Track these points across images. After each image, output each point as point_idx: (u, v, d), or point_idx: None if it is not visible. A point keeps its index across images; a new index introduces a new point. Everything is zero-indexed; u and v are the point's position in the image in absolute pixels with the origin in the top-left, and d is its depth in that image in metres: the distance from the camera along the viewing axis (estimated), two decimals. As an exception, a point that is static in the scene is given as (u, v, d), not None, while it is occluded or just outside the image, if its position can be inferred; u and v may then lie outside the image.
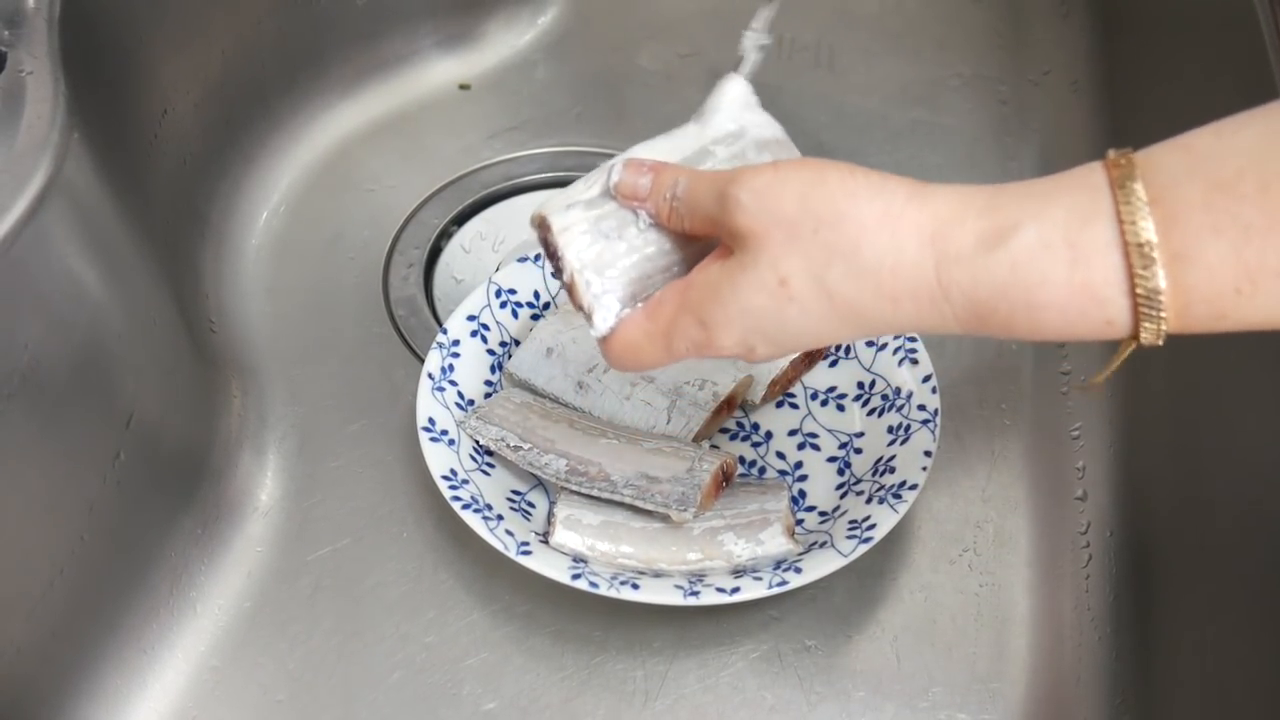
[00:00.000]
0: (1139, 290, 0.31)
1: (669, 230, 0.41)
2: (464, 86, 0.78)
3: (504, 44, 0.80)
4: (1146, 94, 0.69)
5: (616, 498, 0.53)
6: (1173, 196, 0.31)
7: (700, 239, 0.41)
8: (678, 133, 0.43)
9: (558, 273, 0.41)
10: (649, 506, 0.53)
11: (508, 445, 0.54)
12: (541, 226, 0.42)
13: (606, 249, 0.41)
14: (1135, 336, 0.32)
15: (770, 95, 0.76)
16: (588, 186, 0.42)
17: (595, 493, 0.53)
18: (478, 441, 0.55)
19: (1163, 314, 0.32)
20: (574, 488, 0.54)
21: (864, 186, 0.35)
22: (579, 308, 0.41)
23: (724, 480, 0.54)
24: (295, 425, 0.61)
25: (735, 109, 0.43)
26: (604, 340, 0.41)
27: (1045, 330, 0.33)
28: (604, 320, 0.41)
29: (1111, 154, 0.33)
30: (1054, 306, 0.33)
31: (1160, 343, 0.33)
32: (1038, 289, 0.32)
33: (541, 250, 0.43)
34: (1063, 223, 0.32)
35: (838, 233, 0.34)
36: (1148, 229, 0.31)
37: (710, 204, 0.38)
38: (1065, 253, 0.32)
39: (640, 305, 0.41)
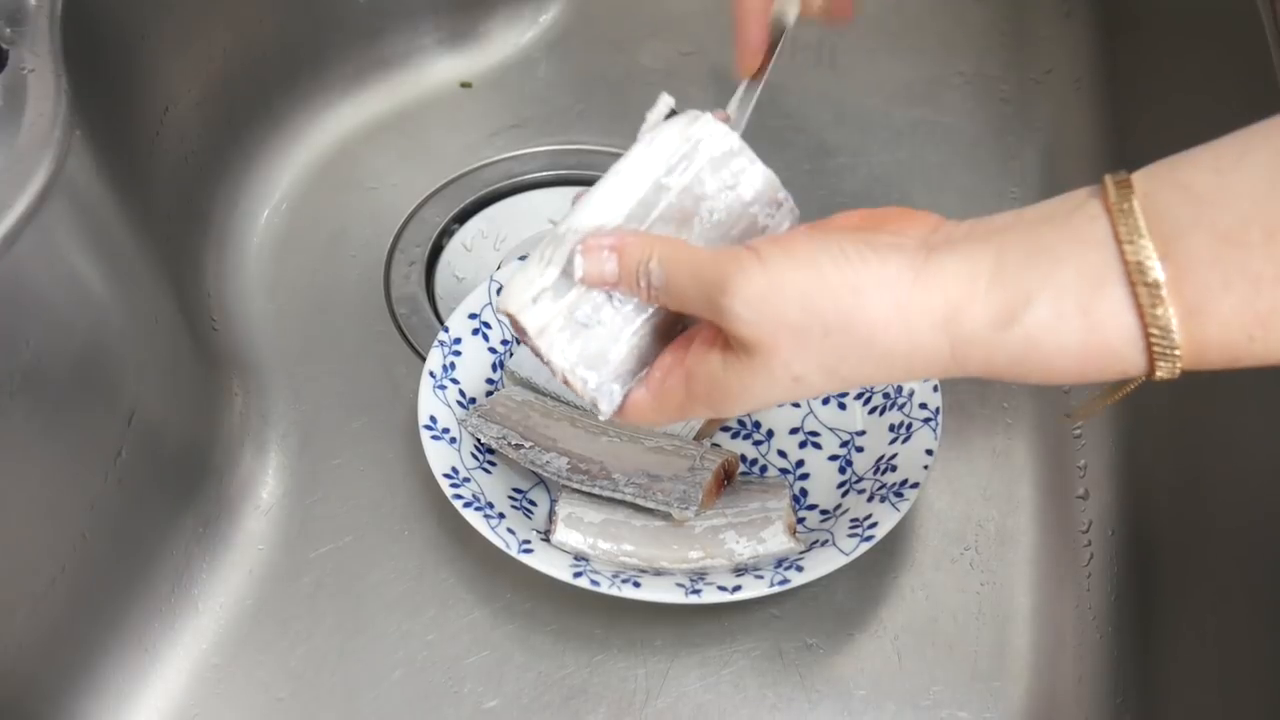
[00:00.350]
0: (1155, 348, 0.32)
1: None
2: (465, 84, 0.78)
3: (506, 42, 0.80)
4: (1149, 92, 0.69)
5: (618, 495, 0.53)
6: (1180, 250, 0.31)
7: None
8: (624, 168, 0.40)
9: (543, 362, 0.40)
10: (650, 504, 0.53)
11: (509, 444, 0.54)
12: (514, 325, 0.40)
13: (590, 340, 0.39)
14: (1152, 376, 0.33)
15: (773, 94, 0.77)
16: (544, 264, 0.39)
17: (597, 490, 0.53)
18: (479, 440, 0.55)
19: (1178, 365, 0.32)
20: (575, 485, 0.54)
21: (866, 278, 0.34)
22: (577, 396, 0.41)
23: (725, 478, 0.54)
24: (297, 423, 0.61)
25: (680, 126, 0.40)
26: (618, 411, 0.41)
27: (1060, 382, 0.34)
28: (609, 405, 0.40)
29: (1110, 193, 0.32)
30: (1071, 369, 0.33)
31: (1176, 377, 0.33)
32: (1054, 357, 0.33)
33: (515, 332, 0.41)
34: (1073, 290, 0.32)
35: (849, 334, 0.34)
36: (1161, 295, 0.31)
37: (700, 306, 0.36)
38: (1079, 321, 0.32)
39: (642, 376, 0.40)
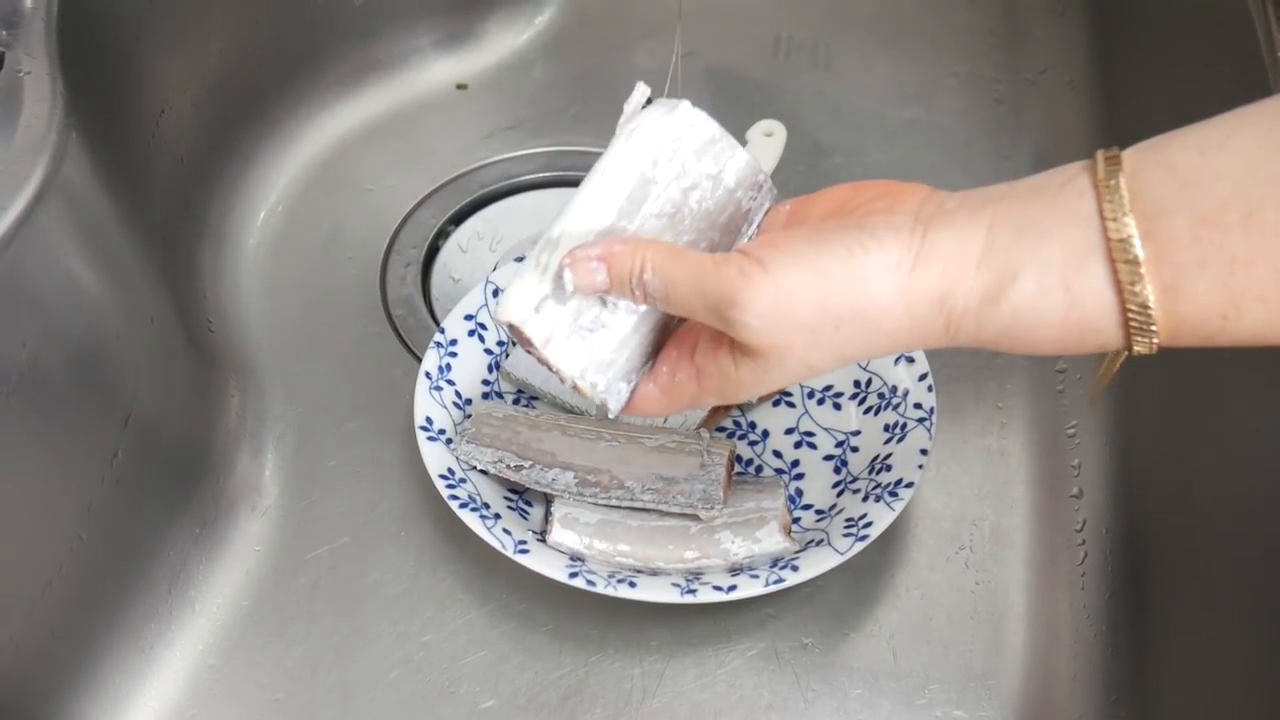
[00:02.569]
0: (1132, 323, 0.33)
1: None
2: (461, 86, 0.78)
3: (501, 43, 0.80)
4: (1142, 92, 0.69)
5: (637, 504, 0.53)
6: (1161, 230, 0.32)
7: None
8: (609, 165, 0.39)
9: (549, 369, 0.40)
10: (674, 509, 0.53)
11: (508, 466, 0.54)
12: (517, 335, 0.40)
13: (596, 344, 0.40)
14: (1130, 351, 0.34)
15: (768, 94, 0.77)
16: (540, 270, 0.39)
17: (614, 502, 0.53)
18: (475, 467, 0.54)
19: (1155, 339, 0.33)
20: (590, 500, 0.53)
21: (871, 269, 0.35)
22: (585, 398, 0.41)
23: (731, 467, 0.54)
24: (293, 424, 0.61)
25: (659, 116, 0.40)
26: (626, 406, 0.42)
27: (1043, 354, 0.36)
28: (618, 404, 0.41)
29: (1100, 169, 0.33)
30: (1052, 340, 0.34)
31: (1153, 352, 0.34)
32: (1037, 329, 0.34)
33: (516, 340, 0.41)
34: (1057, 266, 0.33)
35: (859, 322, 0.35)
36: (1140, 272, 0.32)
37: (706, 316, 0.37)
38: (1062, 296, 0.33)
39: (646, 370, 0.41)
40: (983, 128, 0.75)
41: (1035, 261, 0.33)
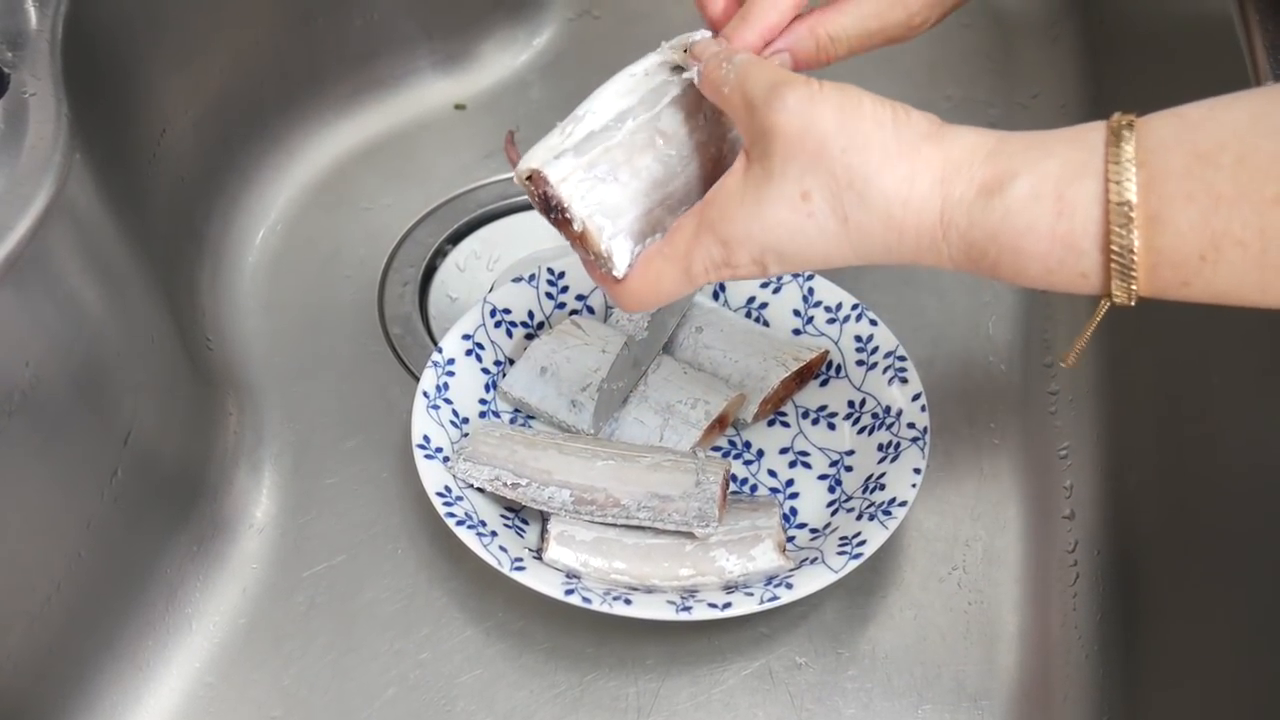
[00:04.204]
0: (1113, 247, 0.34)
1: (656, 161, 0.42)
2: (459, 106, 0.79)
3: (499, 64, 0.81)
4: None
5: (632, 523, 0.53)
6: (1157, 160, 0.33)
7: (692, 162, 0.43)
8: (637, 68, 0.44)
9: (561, 223, 0.42)
10: (669, 527, 0.53)
11: (504, 484, 0.54)
12: (535, 180, 0.42)
13: (609, 192, 0.42)
14: (1108, 294, 0.35)
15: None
16: (564, 135, 0.43)
17: (609, 520, 0.53)
18: (472, 485, 0.55)
19: (1133, 273, 0.34)
20: (586, 518, 0.54)
21: (890, 119, 0.37)
22: (594, 254, 0.43)
23: (726, 486, 0.55)
24: (290, 442, 0.61)
25: (693, 41, 0.44)
26: (623, 279, 0.43)
27: (1027, 276, 0.36)
28: (622, 260, 0.43)
29: (1117, 115, 0.34)
30: (1036, 254, 0.35)
31: (1132, 303, 0.35)
32: (1024, 236, 0.35)
33: (535, 204, 0.43)
34: (1055, 176, 0.34)
35: (862, 157, 0.36)
36: (1130, 190, 0.33)
37: (758, 89, 0.39)
38: (1053, 205, 0.34)
39: (651, 240, 0.43)
40: (976, 150, 0.76)
41: (1035, 169, 0.35)
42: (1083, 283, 0.35)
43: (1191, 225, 0.33)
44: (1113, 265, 0.34)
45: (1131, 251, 0.33)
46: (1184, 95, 0.62)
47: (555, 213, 0.42)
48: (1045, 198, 0.34)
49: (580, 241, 0.43)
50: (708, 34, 0.44)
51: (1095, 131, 0.34)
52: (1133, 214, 0.33)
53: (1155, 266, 0.34)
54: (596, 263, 0.43)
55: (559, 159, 0.42)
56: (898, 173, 0.36)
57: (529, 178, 0.42)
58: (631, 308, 0.43)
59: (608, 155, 0.42)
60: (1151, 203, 0.33)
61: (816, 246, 0.38)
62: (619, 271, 0.43)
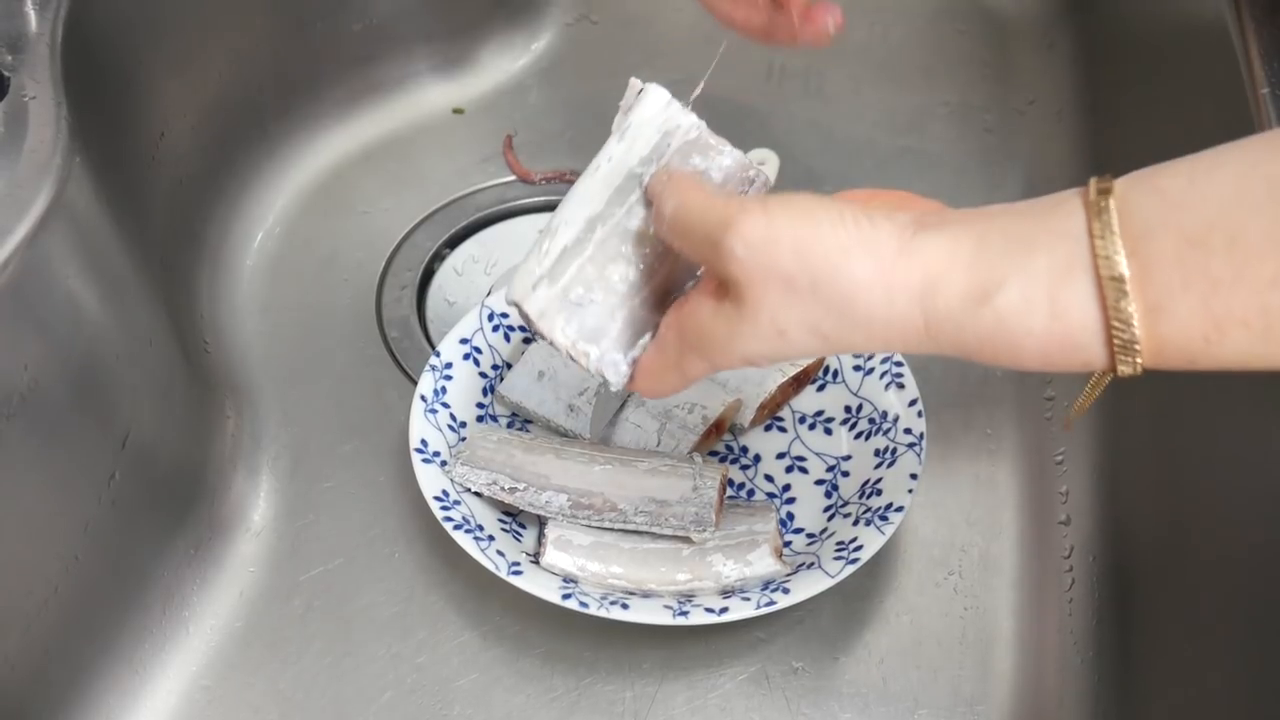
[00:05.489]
0: (1116, 341, 0.33)
1: (630, 265, 0.42)
2: (458, 110, 0.79)
3: (498, 69, 0.81)
4: (1128, 122, 0.71)
5: (630, 527, 0.53)
6: (1147, 250, 0.32)
7: (668, 255, 0.42)
8: (602, 164, 0.42)
9: (549, 343, 0.43)
10: (666, 531, 0.53)
11: (502, 488, 0.54)
12: (520, 313, 0.43)
13: (587, 315, 0.42)
14: (1114, 371, 0.34)
15: (760, 121, 0.78)
16: (540, 255, 0.42)
17: (607, 524, 0.53)
18: (470, 489, 0.55)
19: (1138, 359, 0.33)
20: (583, 522, 0.54)
21: (855, 240, 0.35)
22: (586, 371, 0.43)
23: (723, 490, 0.55)
24: (288, 445, 0.61)
25: (650, 114, 0.42)
26: (628, 382, 0.43)
27: (1026, 368, 0.35)
28: (616, 375, 0.43)
29: (1092, 191, 0.33)
30: (1035, 353, 0.34)
31: (1138, 373, 0.34)
32: (1020, 340, 0.34)
33: (525, 322, 0.44)
34: (1044, 278, 0.33)
35: (833, 289, 0.35)
36: (1124, 288, 0.32)
37: (701, 243, 0.38)
38: (1046, 308, 0.33)
39: (646, 339, 0.42)
40: (973, 156, 0.76)
41: (1022, 271, 0.33)
42: (1086, 367, 0.34)
43: (1192, 311, 0.32)
44: (1117, 355, 0.33)
45: (1135, 343, 0.33)
46: (1180, 102, 0.63)
47: (542, 338, 0.43)
48: (1038, 302, 0.33)
49: (571, 361, 0.43)
50: (636, 89, 0.43)
51: (1075, 215, 0.33)
52: (1131, 309, 0.32)
53: (1160, 350, 0.33)
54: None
55: (536, 290, 0.42)
56: (873, 297, 0.35)
57: (516, 309, 0.43)
58: (645, 397, 0.44)
59: (581, 275, 0.42)
60: (1149, 294, 0.32)
61: (803, 355, 0.38)
62: (615, 386, 0.43)
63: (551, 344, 0.43)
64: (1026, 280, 0.33)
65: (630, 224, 0.42)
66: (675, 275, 0.43)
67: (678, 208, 0.39)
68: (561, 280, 0.42)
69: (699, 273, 0.42)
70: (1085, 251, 0.33)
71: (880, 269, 0.35)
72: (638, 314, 0.42)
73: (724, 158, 0.42)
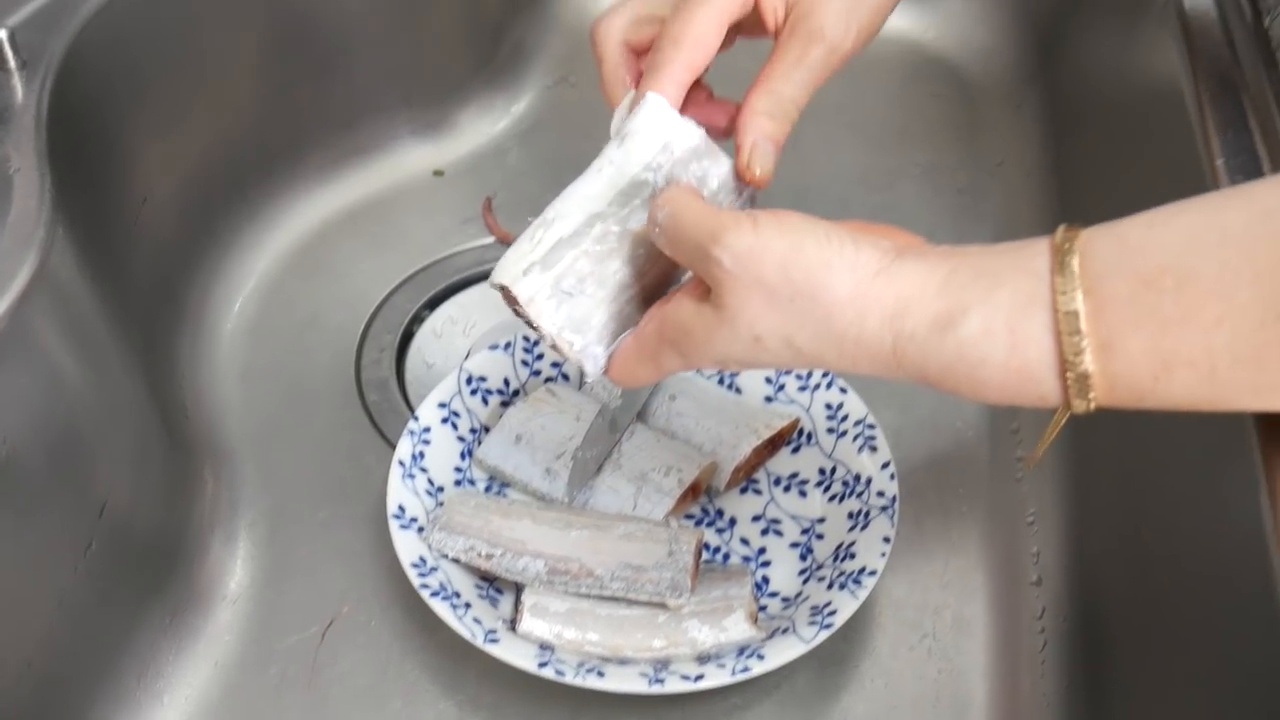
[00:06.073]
0: (1069, 375, 0.35)
1: (624, 264, 0.43)
2: (438, 173, 0.80)
3: (478, 131, 0.82)
4: (1093, 181, 0.72)
5: (606, 594, 0.53)
6: (1102, 288, 0.34)
7: (661, 257, 0.43)
8: (603, 166, 0.43)
9: (535, 331, 0.44)
10: (642, 598, 0.53)
11: (479, 554, 0.55)
12: (506, 296, 0.44)
13: (574, 306, 0.43)
14: (1068, 408, 0.36)
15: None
16: (534, 243, 0.43)
17: (583, 590, 0.54)
18: (446, 555, 0.55)
19: (1091, 394, 0.35)
20: (560, 588, 0.54)
21: (838, 258, 0.37)
22: (567, 360, 0.44)
23: (699, 555, 0.55)
24: (266, 511, 0.61)
25: (649, 123, 0.43)
26: (605, 368, 0.45)
27: (987, 400, 0.37)
28: (594, 366, 0.44)
29: (1059, 236, 0.35)
30: (994, 383, 0.36)
31: (1091, 411, 0.35)
32: (980, 368, 0.36)
33: (509, 306, 0.44)
34: (1006, 310, 0.35)
35: (812, 302, 0.37)
36: (1079, 321, 0.34)
37: (690, 251, 0.40)
38: (1005, 338, 0.35)
39: (627, 335, 0.44)
40: (945, 214, 0.78)
41: (985, 302, 0.35)
42: (1042, 402, 0.36)
43: (1142, 349, 0.33)
44: (1070, 390, 0.35)
45: (1088, 377, 0.34)
46: (1142, 164, 0.64)
47: (527, 323, 0.44)
48: (998, 332, 0.35)
49: (553, 349, 0.44)
50: (653, 100, 0.44)
51: (1040, 256, 0.35)
52: (1084, 343, 0.34)
53: (1112, 388, 0.34)
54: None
55: (527, 275, 0.43)
56: (847, 314, 0.37)
57: (503, 292, 0.44)
58: (618, 385, 0.45)
59: (574, 267, 0.43)
60: (1102, 330, 0.34)
61: (774, 364, 0.40)
62: (591, 377, 0.44)
63: (535, 329, 0.43)
64: (989, 311, 0.35)
65: (630, 225, 0.43)
66: (664, 278, 0.44)
67: (671, 215, 0.41)
68: (554, 269, 0.43)
69: (685, 277, 0.44)
70: (1046, 288, 0.34)
71: (857, 287, 0.37)
72: (624, 311, 0.44)
73: (722, 165, 0.44)
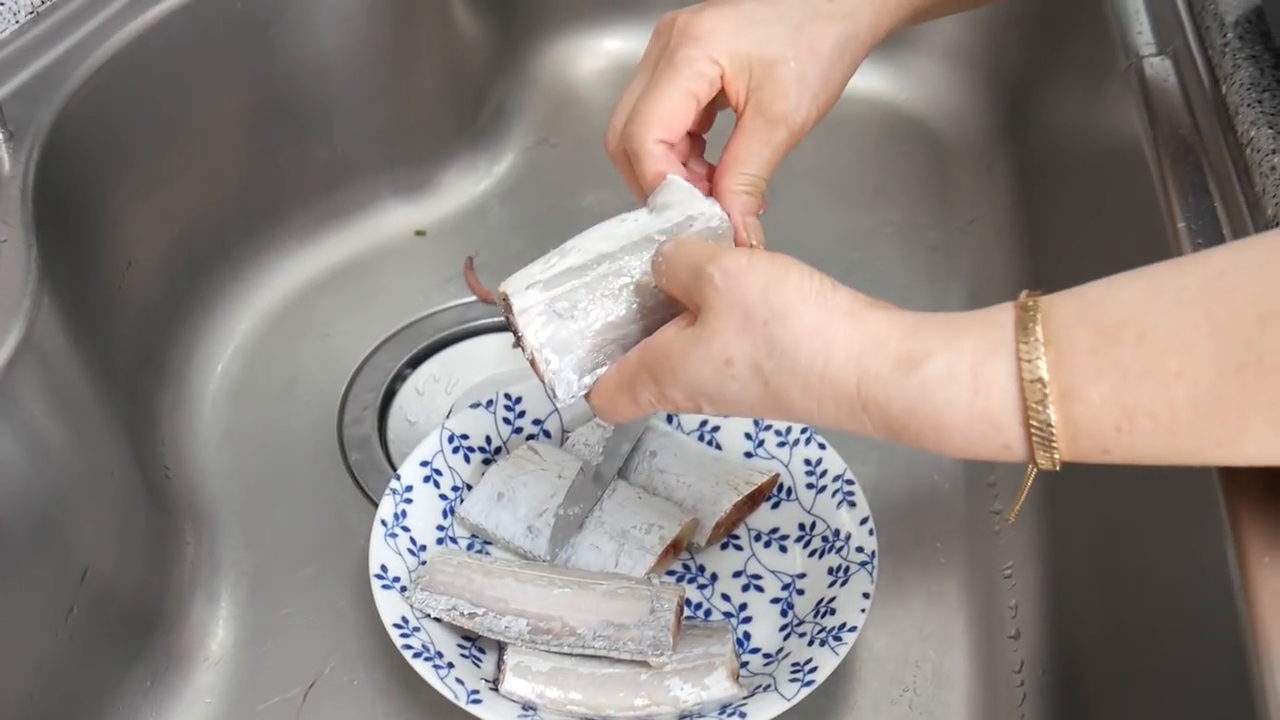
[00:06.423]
0: (1033, 422, 0.35)
1: (619, 307, 0.45)
2: (420, 233, 0.81)
3: (460, 191, 0.83)
4: (1061, 240, 0.74)
5: (589, 652, 0.54)
6: (1063, 338, 0.35)
7: (654, 313, 0.45)
8: (629, 218, 0.47)
9: (519, 342, 0.45)
10: (624, 656, 0.53)
11: (461, 613, 0.55)
12: (505, 304, 0.46)
13: (561, 329, 0.45)
14: (1032, 461, 0.36)
15: (714, 241, 0.81)
16: (546, 265, 0.46)
17: (565, 649, 0.54)
18: (429, 615, 0.55)
19: (1054, 444, 0.35)
20: (542, 647, 0.54)
21: (814, 293, 0.38)
22: (540, 379, 0.46)
23: (680, 612, 0.56)
24: (248, 571, 0.61)
25: (685, 201, 0.47)
26: (586, 397, 0.46)
27: (950, 448, 0.38)
28: (565, 391, 0.45)
29: (1023, 295, 0.37)
30: (957, 428, 0.37)
31: (1057, 469, 0.36)
32: (943, 411, 0.36)
33: (505, 315, 0.46)
34: (969, 354, 0.36)
35: (783, 328, 0.38)
36: (1041, 367, 0.35)
37: (686, 273, 0.41)
38: (969, 382, 0.36)
39: (602, 371, 0.45)
40: (919, 271, 0.79)
41: (949, 347, 0.36)
42: (1006, 453, 0.37)
43: (1104, 399, 0.34)
44: (1033, 439, 0.35)
45: (1050, 425, 0.35)
46: (1107, 222, 0.66)
47: (515, 336, 0.46)
48: (961, 376, 0.36)
49: (532, 366, 0.46)
50: (673, 180, 0.47)
51: (1005, 312, 0.37)
52: (1047, 390, 0.35)
53: (1075, 438, 0.35)
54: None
55: (528, 289, 0.45)
56: (814, 345, 0.38)
57: (503, 300, 0.46)
58: (598, 416, 0.47)
59: (572, 293, 0.45)
60: (1063, 378, 0.35)
61: (743, 401, 0.40)
62: (561, 402, 0.46)
63: (520, 339, 0.45)
64: (953, 355, 0.36)
65: (635, 271, 0.45)
66: (655, 328, 0.46)
67: (676, 243, 0.43)
68: (553, 291, 0.45)
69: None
70: (1010, 338, 0.36)
71: (828, 320, 0.38)
72: (607, 347, 0.45)
73: (729, 241, 0.47)
